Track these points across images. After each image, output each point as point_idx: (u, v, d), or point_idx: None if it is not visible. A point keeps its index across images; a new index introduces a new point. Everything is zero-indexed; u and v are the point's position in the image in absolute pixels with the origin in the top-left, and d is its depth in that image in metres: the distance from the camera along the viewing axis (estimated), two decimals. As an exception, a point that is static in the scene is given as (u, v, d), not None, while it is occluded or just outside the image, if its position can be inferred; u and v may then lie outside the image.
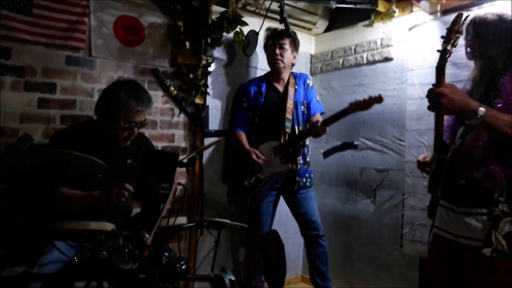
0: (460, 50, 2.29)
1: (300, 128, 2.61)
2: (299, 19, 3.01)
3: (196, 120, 2.66)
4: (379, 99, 2.15)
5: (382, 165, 2.76)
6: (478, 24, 1.52)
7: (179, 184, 1.40)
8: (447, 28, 1.39)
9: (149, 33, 2.45)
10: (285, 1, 2.30)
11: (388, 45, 2.72)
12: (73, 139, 1.82)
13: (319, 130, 2.35)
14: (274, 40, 2.57)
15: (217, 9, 2.53)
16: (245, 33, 2.50)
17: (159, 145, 2.54)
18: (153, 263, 1.23)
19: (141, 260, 1.25)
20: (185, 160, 1.62)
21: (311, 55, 3.32)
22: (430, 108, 1.35)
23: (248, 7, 2.54)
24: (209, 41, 2.48)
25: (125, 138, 1.86)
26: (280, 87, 2.69)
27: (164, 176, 1.33)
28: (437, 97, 1.30)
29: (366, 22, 2.86)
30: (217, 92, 2.76)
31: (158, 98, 2.54)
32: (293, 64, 2.68)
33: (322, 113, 2.69)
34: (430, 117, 2.49)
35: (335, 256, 2.97)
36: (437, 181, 1.51)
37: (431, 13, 2.47)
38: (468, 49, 1.57)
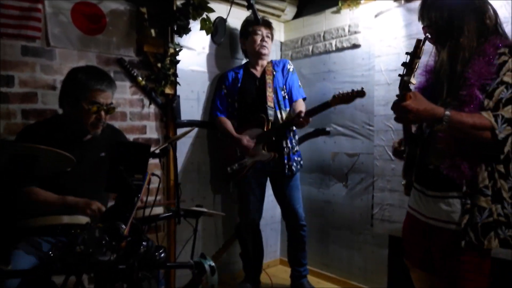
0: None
1: (283, 113, 2.64)
2: (267, 5, 2.98)
3: (168, 111, 2.60)
4: (361, 93, 2.21)
5: (353, 149, 2.83)
6: (430, 9, 1.45)
7: (153, 174, 1.36)
8: (407, 53, 1.26)
9: (111, 20, 2.33)
10: None
11: (355, 32, 2.75)
12: (41, 135, 1.75)
13: (303, 121, 2.38)
14: (262, 28, 2.61)
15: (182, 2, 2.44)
16: (212, 20, 2.44)
17: (130, 137, 2.46)
18: (131, 253, 1.20)
19: (119, 251, 1.22)
20: (157, 151, 1.57)
21: (281, 42, 3.31)
22: (396, 120, 1.32)
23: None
24: (175, 29, 2.40)
25: (93, 124, 1.79)
26: (257, 73, 2.70)
27: (137, 168, 1.29)
28: (402, 112, 1.26)
29: (334, 9, 2.88)
30: (187, 81, 2.69)
31: (125, 89, 2.45)
32: None
33: (304, 99, 2.73)
34: (397, 101, 2.57)
35: (311, 240, 3.03)
36: (410, 169, 1.57)
37: (395, 0, 2.51)
38: (427, 34, 1.49)
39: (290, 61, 2.80)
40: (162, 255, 1.37)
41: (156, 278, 1.54)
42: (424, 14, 1.49)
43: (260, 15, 2.48)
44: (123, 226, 1.28)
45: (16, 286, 1.37)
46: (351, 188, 2.86)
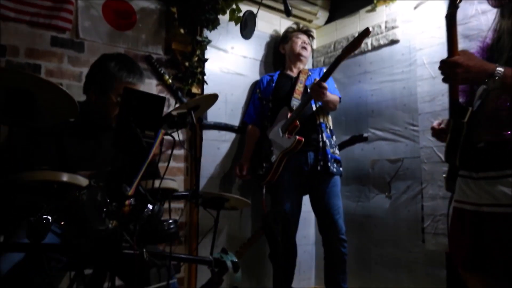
0: (470, 21, 2.20)
1: (313, 107, 2.47)
2: (299, 9, 2.91)
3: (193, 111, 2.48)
4: (365, 32, 2.04)
5: (395, 154, 2.54)
6: None
7: (167, 134, 1.20)
8: None
9: (141, 18, 2.33)
10: None
11: (393, 27, 2.58)
12: (62, 124, 1.65)
13: (315, 86, 2.21)
14: (302, 35, 2.67)
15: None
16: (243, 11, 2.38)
17: (153, 137, 2.36)
18: (134, 217, 1.01)
19: (121, 217, 1.03)
20: (174, 113, 1.41)
21: (313, 49, 3.19)
22: (444, 80, 1.23)
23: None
24: (204, 23, 2.35)
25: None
26: (292, 74, 2.65)
27: (149, 123, 1.14)
28: (451, 67, 1.18)
29: (369, 8, 2.75)
30: (215, 82, 2.60)
31: (152, 86, 2.38)
32: None
33: (339, 98, 2.55)
34: (444, 96, 2.31)
35: (350, 261, 2.66)
36: (454, 148, 1.32)
37: (436, -11, 2.34)
38: None
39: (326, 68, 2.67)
40: (172, 226, 1.16)
41: (167, 267, 1.31)
42: None
43: (293, 20, 2.55)
44: (128, 188, 1.11)
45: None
46: (395, 199, 2.52)
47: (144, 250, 1.09)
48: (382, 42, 2.65)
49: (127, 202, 1.07)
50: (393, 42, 2.58)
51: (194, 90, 2.48)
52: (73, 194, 1.06)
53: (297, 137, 2.24)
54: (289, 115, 2.34)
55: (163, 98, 1.18)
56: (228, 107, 2.67)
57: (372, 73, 2.74)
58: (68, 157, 1.59)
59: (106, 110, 1.66)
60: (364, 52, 2.78)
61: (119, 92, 1.61)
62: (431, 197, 2.32)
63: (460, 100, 1.37)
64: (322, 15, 3.03)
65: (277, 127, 2.39)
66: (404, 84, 2.51)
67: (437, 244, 2.25)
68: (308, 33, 2.73)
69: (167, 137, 1.26)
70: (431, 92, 2.35)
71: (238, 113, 2.72)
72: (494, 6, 1.41)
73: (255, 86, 2.74)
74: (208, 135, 2.56)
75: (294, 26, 2.73)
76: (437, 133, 1.50)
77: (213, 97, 1.64)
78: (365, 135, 2.74)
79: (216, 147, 2.62)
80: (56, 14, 2.03)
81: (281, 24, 2.95)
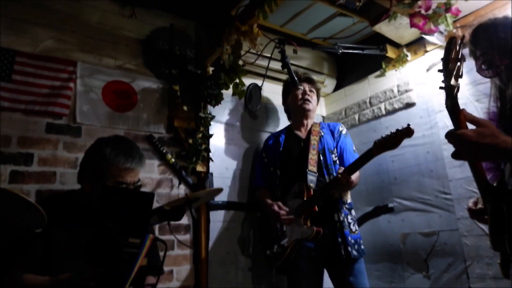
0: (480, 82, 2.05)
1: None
2: (305, 78, 2.83)
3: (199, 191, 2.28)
4: (408, 131, 1.74)
5: (429, 227, 2.24)
6: (488, 31, 1.25)
7: (157, 239, 0.97)
8: (441, 59, 1.09)
9: (142, 97, 2.25)
10: (290, 62, 2.08)
11: (406, 90, 2.45)
12: (55, 210, 1.47)
13: (339, 179, 1.90)
14: (302, 84, 2.35)
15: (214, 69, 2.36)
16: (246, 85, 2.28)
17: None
18: None
19: None
20: (167, 207, 1.19)
21: (323, 117, 3.06)
22: (452, 155, 1.02)
23: (248, 67, 2.37)
24: (207, 99, 2.25)
25: None
26: (302, 134, 2.33)
27: (133, 227, 0.92)
28: (459, 144, 0.98)
29: (378, 73, 2.66)
30: (221, 158, 2.43)
31: (154, 168, 2.21)
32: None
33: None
34: (476, 160, 2.08)
35: None
36: (500, 235, 1.12)
37: (448, 49, 2.24)
38: (483, 66, 1.27)
39: (342, 124, 2.42)
40: None
41: None
42: (478, 42, 1.28)
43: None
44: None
45: None
46: (436, 279, 2.16)
47: None
48: (396, 106, 2.50)
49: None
50: (409, 105, 2.43)
51: (199, 168, 2.30)
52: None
53: (315, 228, 1.93)
54: (305, 194, 2.05)
55: (152, 195, 0.99)
56: (236, 184, 2.46)
57: (389, 138, 2.54)
58: (55, 255, 1.38)
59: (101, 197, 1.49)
60: (378, 117, 2.62)
61: (117, 180, 1.46)
62: (480, 278, 1.97)
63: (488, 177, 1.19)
64: (330, 83, 2.95)
65: (291, 204, 2.09)
66: (428, 149, 2.30)
67: (498, 338, 1.85)
68: (309, 80, 2.40)
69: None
70: (460, 156, 2.12)
71: (247, 189, 2.50)
72: (486, 76, 1.30)
73: (261, 148, 2.48)
74: (216, 216, 2.31)
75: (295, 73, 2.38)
76: (475, 215, 1.35)
77: (216, 191, 1.44)
78: (390, 205, 2.46)
79: (225, 228, 2.35)
80: (53, 101, 1.94)
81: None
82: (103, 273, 0.90)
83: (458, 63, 1.05)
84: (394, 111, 2.52)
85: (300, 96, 2.34)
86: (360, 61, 2.74)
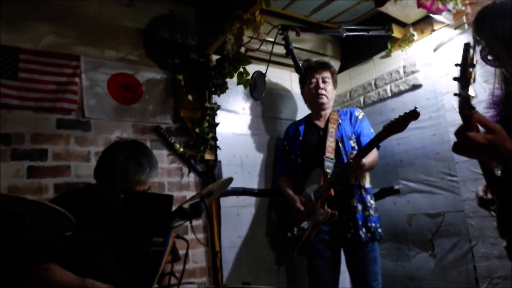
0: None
1: None
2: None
3: (209, 179, 2.33)
4: (414, 114, 1.76)
5: (434, 208, 2.28)
6: (492, 18, 1.15)
7: (178, 237, 1.02)
8: (456, 65, 1.02)
9: (147, 89, 2.26)
10: (293, 46, 2.07)
11: (413, 72, 2.43)
12: (71, 205, 1.53)
13: (350, 163, 1.97)
14: (315, 73, 2.34)
15: (217, 58, 2.34)
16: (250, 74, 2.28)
17: (167, 211, 2.19)
18: None
19: None
20: (186, 205, 1.24)
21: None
22: (454, 149, 1.00)
23: (251, 52, 2.36)
24: (212, 89, 2.25)
25: None
26: (320, 124, 2.38)
27: (155, 228, 0.97)
28: (465, 145, 0.96)
29: (383, 53, 2.63)
30: (229, 146, 2.46)
31: (163, 158, 2.26)
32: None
33: (378, 147, 2.24)
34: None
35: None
36: (507, 225, 1.17)
37: (456, 27, 2.21)
38: (488, 56, 1.19)
39: (359, 109, 2.42)
40: None
41: None
42: (482, 31, 1.18)
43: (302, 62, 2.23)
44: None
45: None
46: (441, 258, 2.23)
47: None
48: (402, 88, 2.49)
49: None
50: (415, 87, 2.42)
51: (207, 156, 2.34)
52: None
53: (329, 211, 2.03)
54: (322, 179, 2.13)
55: (171, 197, 1.03)
56: (245, 170, 2.50)
57: (395, 120, 2.54)
58: (75, 252, 1.45)
59: (114, 195, 1.56)
60: (383, 99, 2.62)
61: (127, 188, 1.53)
62: (485, 257, 2.03)
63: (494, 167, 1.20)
64: (334, 65, 2.86)
65: (310, 190, 2.18)
66: (434, 131, 2.31)
67: (500, 313, 1.93)
68: (324, 66, 2.38)
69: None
70: (466, 138, 2.14)
71: (256, 175, 2.55)
72: (494, 66, 1.25)
73: (283, 136, 2.54)
74: (226, 202, 2.37)
75: (306, 64, 2.35)
76: (485, 204, 1.36)
77: (227, 181, 1.48)
78: (397, 187, 2.50)
79: (235, 213, 2.42)
80: (61, 97, 1.97)
81: (292, 78, 2.85)
82: (133, 271, 0.97)
83: (473, 70, 0.99)
84: (400, 93, 2.51)
85: (313, 90, 2.35)
86: (364, 42, 2.70)
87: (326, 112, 2.40)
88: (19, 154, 1.84)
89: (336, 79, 2.46)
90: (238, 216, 2.42)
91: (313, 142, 2.32)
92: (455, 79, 1.03)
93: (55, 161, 1.93)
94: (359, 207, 2.15)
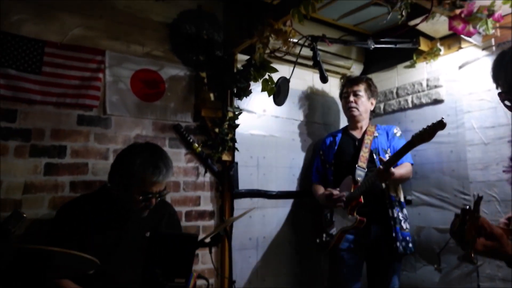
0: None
1: None
2: (332, 64, 2.77)
3: (224, 179, 2.35)
4: (441, 124, 1.78)
5: (444, 224, 2.32)
6: (509, 64, 1.08)
7: (200, 277, 1.04)
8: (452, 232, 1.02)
9: (170, 86, 2.23)
10: (318, 47, 2.04)
11: (436, 86, 2.40)
12: (84, 211, 1.57)
13: (379, 171, 1.98)
14: (348, 88, 2.46)
15: (242, 58, 2.31)
16: (275, 80, 2.25)
17: (182, 209, 2.22)
18: None
19: None
20: (207, 240, 1.26)
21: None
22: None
23: (277, 53, 2.32)
24: (235, 92, 2.23)
25: (142, 208, 1.60)
26: (357, 134, 2.44)
27: (178, 268, 0.98)
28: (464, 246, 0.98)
29: (407, 63, 2.59)
30: (246, 146, 2.45)
31: (180, 156, 2.26)
32: (371, 111, 2.50)
33: (412, 164, 2.29)
34: (499, 165, 2.10)
35: None
36: None
37: (484, 48, 2.17)
38: (506, 102, 1.13)
39: (397, 127, 2.43)
40: None
41: None
42: (500, 76, 1.12)
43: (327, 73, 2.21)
44: None
45: None
46: (446, 274, 2.28)
47: None
48: (424, 101, 2.47)
49: None
50: (437, 101, 2.40)
51: (225, 157, 2.34)
52: None
53: (358, 217, 2.07)
54: (352, 187, 2.16)
55: (195, 237, 1.04)
56: (260, 171, 2.51)
57: (413, 131, 2.49)
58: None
59: (129, 200, 1.57)
60: (404, 109, 2.60)
61: (143, 190, 1.54)
62: (489, 278, 2.08)
63: None
64: (357, 68, 2.88)
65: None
66: (452, 148, 2.31)
67: (500, 333, 2.00)
68: (354, 81, 2.45)
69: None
70: (484, 160, 2.15)
71: (271, 177, 2.56)
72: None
73: (319, 145, 2.61)
74: (240, 204, 2.39)
75: (342, 82, 2.58)
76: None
77: (248, 212, 1.49)
78: (409, 198, 2.53)
79: (248, 215, 2.44)
80: (84, 93, 1.94)
81: (314, 79, 2.81)
82: None
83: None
84: (421, 105, 2.49)
85: (345, 103, 2.46)
86: (389, 49, 2.65)
87: (362, 124, 2.44)
88: (37, 151, 1.83)
89: (374, 90, 2.48)
90: (250, 218, 2.45)
91: (348, 152, 2.37)
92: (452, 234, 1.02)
93: (73, 158, 1.92)
94: (398, 219, 2.18)
